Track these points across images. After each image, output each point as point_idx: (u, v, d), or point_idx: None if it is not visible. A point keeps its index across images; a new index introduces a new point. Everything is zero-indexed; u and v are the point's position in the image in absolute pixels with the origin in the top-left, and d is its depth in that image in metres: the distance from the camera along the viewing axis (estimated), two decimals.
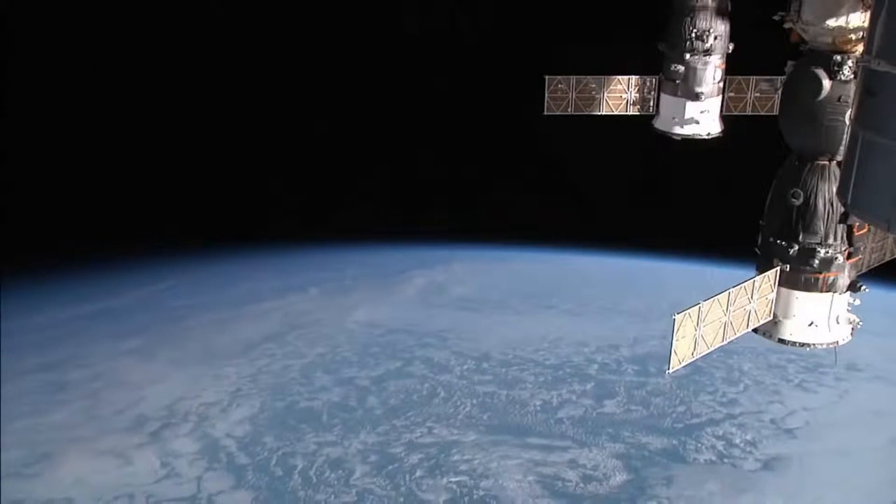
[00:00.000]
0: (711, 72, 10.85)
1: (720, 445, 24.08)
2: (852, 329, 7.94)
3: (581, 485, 22.24)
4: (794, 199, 7.53)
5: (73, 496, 21.29)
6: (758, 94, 11.21)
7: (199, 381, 27.69)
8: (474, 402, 26.41)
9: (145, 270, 37.14)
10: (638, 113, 11.66)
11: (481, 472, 22.67)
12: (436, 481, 22.32)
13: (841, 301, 7.81)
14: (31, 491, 21.42)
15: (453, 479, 22.37)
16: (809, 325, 7.79)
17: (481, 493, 21.85)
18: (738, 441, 24.28)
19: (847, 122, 7.06)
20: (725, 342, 7.42)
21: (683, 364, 7.06)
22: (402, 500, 21.49)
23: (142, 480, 22.14)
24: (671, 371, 7.04)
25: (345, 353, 29.92)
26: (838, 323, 7.85)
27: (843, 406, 26.35)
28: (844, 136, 7.19)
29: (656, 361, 28.61)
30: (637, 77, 11.53)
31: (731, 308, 7.32)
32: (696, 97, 10.89)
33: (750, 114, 11.30)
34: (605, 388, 27.34)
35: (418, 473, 22.62)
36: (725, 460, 23.44)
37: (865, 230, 7.72)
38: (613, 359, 29.54)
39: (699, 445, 24.05)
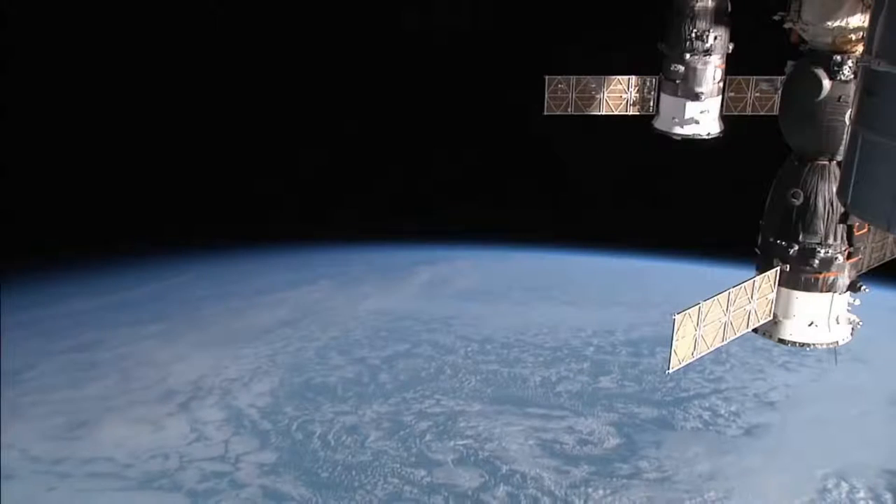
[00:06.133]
0: (711, 72, 10.79)
1: (706, 415, 25.99)
2: (852, 329, 7.92)
3: (577, 447, 24.20)
4: (794, 199, 7.51)
5: (113, 456, 23.29)
6: (758, 94, 11.15)
7: (220, 361, 29.45)
8: (478, 378, 28.31)
9: (161, 266, 38.53)
10: (638, 113, 11.60)
11: (486, 437, 24.61)
12: (444, 444, 24.26)
13: (841, 301, 7.79)
14: (75, 450, 23.43)
15: (460, 443, 24.33)
16: (809, 325, 7.80)
17: (486, 454, 23.79)
18: (722, 411, 26.20)
19: (847, 122, 6.98)
20: (725, 342, 7.43)
21: (683, 364, 7.08)
22: (413, 459, 23.47)
23: (174, 443, 24.10)
24: (671, 371, 7.10)
25: (356, 336, 31.64)
26: (838, 323, 7.84)
27: (822, 383, 28.05)
28: (844, 136, 7.13)
29: (649, 344, 30.40)
30: (637, 77, 11.48)
31: (731, 308, 7.29)
32: (696, 97, 10.85)
33: (750, 114, 11.25)
34: (600, 367, 29.15)
35: (428, 437, 24.57)
36: (710, 428, 25.37)
37: (865, 230, 7.69)
38: (609, 342, 31.21)
39: (687, 415, 25.97)
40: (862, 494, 22.09)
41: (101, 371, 28.55)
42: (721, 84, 11.03)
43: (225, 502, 21.84)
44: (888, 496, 21.93)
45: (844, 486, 22.27)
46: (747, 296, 7.46)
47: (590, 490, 22.30)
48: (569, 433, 24.87)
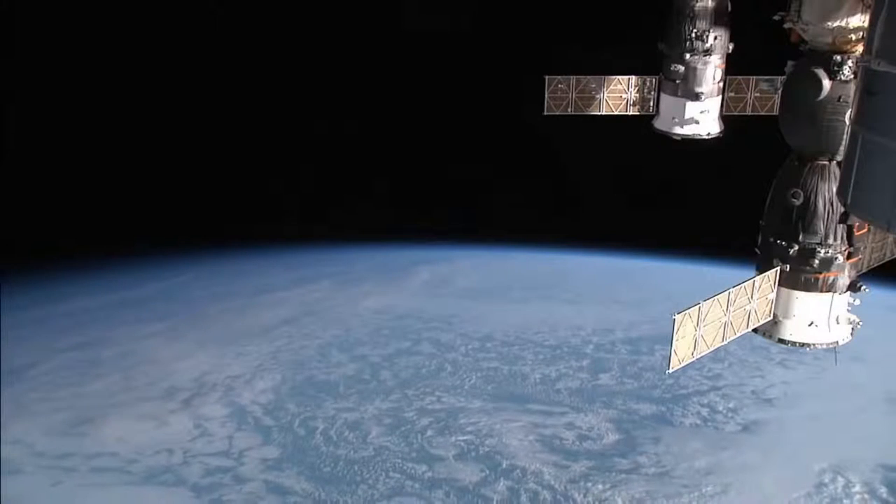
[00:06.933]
0: (711, 72, 10.80)
1: (705, 412, 26.25)
2: (852, 329, 7.91)
3: (577, 443, 24.46)
4: (794, 199, 7.50)
5: (118, 451, 23.53)
6: (758, 94, 11.15)
7: (223, 359, 29.69)
8: (479, 375, 28.56)
9: (162, 265, 38.79)
10: (638, 113, 11.61)
11: (486, 433, 24.85)
12: (445, 440, 24.51)
13: (841, 301, 7.79)
14: (81, 446, 23.65)
15: (461, 438, 24.57)
16: (809, 325, 7.78)
17: (486, 449, 24.04)
18: (721, 408, 26.45)
19: (847, 122, 6.99)
20: (725, 342, 7.43)
21: (683, 364, 7.06)
22: (414, 454, 23.71)
23: (178, 439, 24.33)
24: (671, 371, 7.03)
25: (357, 334, 31.89)
26: (838, 323, 7.83)
27: (820, 381, 28.24)
28: (844, 136, 7.13)
29: (648, 342, 30.68)
30: (637, 77, 11.50)
31: (731, 308, 7.28)
32: (696, 97, 10.87)
33: (750, 114, 11.25)
34: (599, 365, 29.42)
35: (429, 433, 24.82)
36: (709, 424, 25.63)
37: (865, 230, 7.68)
38: (608, 340, 31.46)
39: (685, 412, 26.22)
40: (858, 489, 22.33)
41: (105, 369, 28.79)
42: (721, 84, 11.06)
43: (228, 496, 22.06)
44: (883, 490, 22.20)
45: (840, 481, 22.52)
46: (747, 296, 7.47)
47: (589, 484, 22.55)
48: (568, 429, 25.12)
